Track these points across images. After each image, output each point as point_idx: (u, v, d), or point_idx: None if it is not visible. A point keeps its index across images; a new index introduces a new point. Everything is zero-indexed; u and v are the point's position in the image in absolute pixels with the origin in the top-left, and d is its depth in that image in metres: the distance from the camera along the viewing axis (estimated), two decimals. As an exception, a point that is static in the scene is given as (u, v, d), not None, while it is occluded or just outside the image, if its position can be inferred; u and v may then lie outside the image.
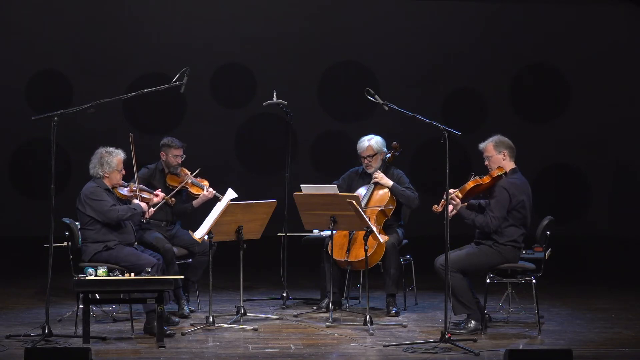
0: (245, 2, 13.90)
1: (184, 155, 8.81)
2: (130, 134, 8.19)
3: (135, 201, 8.17)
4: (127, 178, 8.28)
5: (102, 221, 7.96)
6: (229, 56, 13.86)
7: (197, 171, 8.74)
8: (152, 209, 8.23)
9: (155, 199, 8.30)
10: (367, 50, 13.96)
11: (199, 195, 8.74)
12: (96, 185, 8.07)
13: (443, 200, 7.67)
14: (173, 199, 8.51)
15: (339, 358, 7.19)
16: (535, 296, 7.93)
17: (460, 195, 7.80)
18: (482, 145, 8.06)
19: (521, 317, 8.48)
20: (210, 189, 8.74)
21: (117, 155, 8.14)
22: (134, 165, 8.21)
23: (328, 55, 13.97)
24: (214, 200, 8.43)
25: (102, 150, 8.17)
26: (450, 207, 7.74)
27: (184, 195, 8.83)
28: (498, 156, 7.97)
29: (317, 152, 14.04)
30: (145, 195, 8.30)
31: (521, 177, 7.98)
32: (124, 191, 8.19)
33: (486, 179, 7.90)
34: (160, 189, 8.50)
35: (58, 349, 6.99)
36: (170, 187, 8.74)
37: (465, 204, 7.92)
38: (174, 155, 8.77)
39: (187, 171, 8.77)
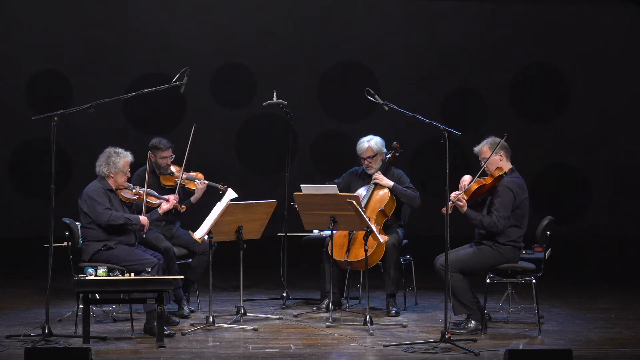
0: (245, 2, 13.90)
1: (173, 155, 8.78)
2: (149, 153, 8.28)
3: (139, 217, 8.12)
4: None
5: (94, 222, 7.96)
6: (229, 56, 13.86)
7: (185, 158, 8.71)
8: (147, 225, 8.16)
9: (165, 206, 8.28)
10: (367, 50, 13.96)
11: (195, 190, 8.74)
12: (100, 185, 8.06)
13: (451, 202, 7.67)
14: (184, 206, 8.50)
15: (339, 358, 7.20)
16: (535, 296, 7.93)
17: (465, 197, 7.79)
18: (477, 149, 8.05)
19: (521, 317, 8.48)
20: (203, 181, 8.71)
21: (125, 157, 8.11)
22: (146, 178, 8.22)
23: (328, 55, 13.96)
24: (214, 199, 8.40)
25: (110, 149, 8.15)
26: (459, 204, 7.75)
27: (181, 193, 8.81)
28: (495, 157, 7.97)
29: (317, 152, 14.03)
30: (152, 200, 8.28)
31: (519, 176, 7.99)
32: (128, 194, 8.17)
33: (489, 180, 7.90)
34: (173, 195, 8.45)
35: (58, 349, 6.98)
36: (166, 187, 8.72)
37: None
38: (162, 157, 8.71)
39: (179, 168, 8.74)
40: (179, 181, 8.63)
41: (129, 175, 8.19)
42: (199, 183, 8.70)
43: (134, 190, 8.20)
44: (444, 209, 7.64)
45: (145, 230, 8.14)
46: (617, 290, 9.94)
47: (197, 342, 7.55)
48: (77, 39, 13.60)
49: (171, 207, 8.30)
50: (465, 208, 7.78)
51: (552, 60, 14.20)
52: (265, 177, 13.37)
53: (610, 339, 7.76)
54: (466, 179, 7.93)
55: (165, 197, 8.36)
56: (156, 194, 8.37)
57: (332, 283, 8.39)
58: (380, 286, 8.77)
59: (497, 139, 7.97)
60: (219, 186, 8.66)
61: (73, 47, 13.61)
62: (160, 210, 8.27)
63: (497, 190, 7.90)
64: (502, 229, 7.81)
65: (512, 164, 8.03)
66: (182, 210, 8.49)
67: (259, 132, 13.87)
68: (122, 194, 8.15)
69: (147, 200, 8.23)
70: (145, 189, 8.22)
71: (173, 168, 8.77)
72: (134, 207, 8.27)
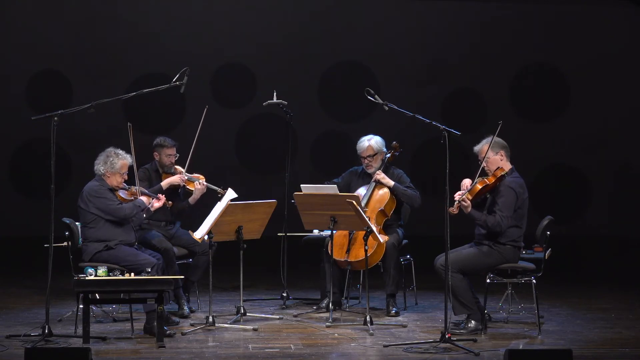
0: (245, 2, 13.91)
1: (177, 154, 8.79)
2: (129, 124, 8.13)
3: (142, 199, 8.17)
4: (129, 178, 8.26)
5: (109, 219, 7.95)
6: (229, 56, 13.86)
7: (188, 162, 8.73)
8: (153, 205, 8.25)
9: (157, 204, 8.27)
10: (367, 50, 13.96)
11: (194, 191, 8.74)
12: (99, 184, 8.06)
13: (456, 202, 7.67)
14: (170, 202, 8.49)
15: (339, 358, 7.20)
16: (535, 296, 7.93)
17: (469, 197, 7.79)
18: (477, 148, 8.05)
19: (521, 317, 8.48)
20: (203, 183, 8.71)
21: (123, 159, 8.08)
22: (133, 156, 8.15)
23: (328, 56, 13.97)
24: (213, 199, 8.40)
25: (111, 149, 8.13)
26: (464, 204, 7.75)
27: (181, 193, 8.83)
28: (495, 157, 7.96)
29: (317, 152, 14.04)
30: (144, 199, 8.27)
31: (519, 176, 7.99)
32: (125, 194, 8.16)
33: (491, 179, 7.90)
34: (163, 194, 8.46)
35: (58, 349, 6.99)
36: (170, 186, 8.72)
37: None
38: (167, 154, 8.74)
39: (181, 169, 8.75)
40: (182, 170, 8.64)
41: (126, 177, 8.16)
42: (198, 184, 8.70)
43: (129, 191, 8.20)
44: (451, 209, 7.62)
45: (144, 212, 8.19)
46: (617, 290, 9.94)
47: (197, 342, 7.55)
48: (77, 39, 13.60)
49: (162, 205, 8.30)
50: (469, 208, 7.77)
51: (552, 60, 14.20)
52: (265, 177, 13.37)
53: (610, 339, 7.76)
54: (467, 182, 7.92)
55: (156, 195, 8.37)
56: (148, 192, 8.37)
57: (332, 283, 8.40)
58: (380, 286, 8.77)
59: (498, 138, 7.96)
60: (219, 190, 8.65)
61: (73, 47, 13.61)
62: (152, 208, 8.26)
63: (500, 190, 7.89)
64: (505, 228, 7.81)
65: (511, 164, 8.03)
66: (168, 206, 8.46)
67: (259, 132, 13.87)
68: (119, 194, 8.15)
69: (142, 199, 8.23)
70: (138, 187, 8.22)
71: (176, 169, 8.77)
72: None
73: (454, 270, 7.73)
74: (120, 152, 8.10)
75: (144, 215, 8.28)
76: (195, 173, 8.80)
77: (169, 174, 8.76)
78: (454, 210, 7.67)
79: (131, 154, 8.11)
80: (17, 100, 13.44)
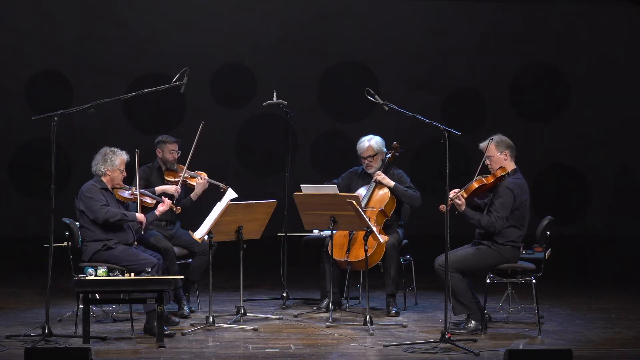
0: (245, 2, 13.90)
1: (180, 151, 8.82)
2: (136, 150, 8.21)
3: (135, 214, 8.16)
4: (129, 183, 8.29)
5: (91, 219, 7.96)
6: (229, 56, 13.86)
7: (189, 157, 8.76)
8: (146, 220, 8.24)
9: (162, 207, 8.29)
10: (367, 50, 13.95)
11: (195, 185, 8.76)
12: (94, 183, 8.09)
13: (449, 200, 7.66)
14: (179, 207, 8.50)
15: (339, 358, 7.20)
16: (535, 296, 7.93)
17: (465, 195, 7.79)
18: (482, 145, 8.04)
19: (521, 317, 8.48)
20: (205, 178, 8.73)
21: (121, 156, 8.16)
22: (137, 180, 8.22)
23: (328, 56, 13.95)
24: (214, 200, 8.40)
25: (106, 149, 8.19)
26: (458, 202, 7.74)
27: (182, 193, 8.83)
28: (500, 156, 7.95)
29: (317, 152, 14.03)
30: (147, 199, 8.29)
31: (521, 177, 7.98)
32: (125, 194, 8.18)
33: (490, 179, 7.89)
34: (166, 197, 8.48)
35: (58, 349, 6.99)
36: (169, 183, 8.74)
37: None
38: (170, 150, 8.80)
39: (183, 167, 8.77)
40: (182, 176, 8.66)
41: (125, 174, 8.20)
42: (199, 179, 8.73)
43: (129, 191, 8.21)
44: (441, 207, 7.63)
45: (142, 227, 8.17)
46: (617, 290, 9.94)
47: (197, 342, 7.55)
48: (77, 39, 13.59)
49: (167, 209, 8.32)
50: (463, 207, 7.77)
51: (552, 60, 14.19)
52: (265, 177, 13.37)
53: (610, 339, 7.76)
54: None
55: (160, 198, 8.38)
56: (150, 194, 8.37)
57: (332, 283, 8.40)
58: (380, 286, 8.77)
59: (504, 137, 7.97)
60: (221, 185, 8.69)
61: (73, 47, 13.60)
62: (157, 212, 8.29)
63: (498, 191, 7.89)
64: (499, 229, 7.81)
65: (515, 164, 8.02)
66: (177, 212, 8.50)
67: (259, 132, 13.86)
68: (118, 193, 8.17)
69: (143, 200, 8.25)
70: (138, 189, 8.23)
71: (178, 167, 8.80)
72: (130, 207, 8.28)
73: (453, 271, 7.73)
74: (115, 149, 8.18)
75: (143, 231, 8.26)
76: (198, 171, 8.84)
77: (172, 171, 8.80)
78: (443, 208, 7.64)
79: (136, 178, 8.19)
80: (17, 100, 13.43)
